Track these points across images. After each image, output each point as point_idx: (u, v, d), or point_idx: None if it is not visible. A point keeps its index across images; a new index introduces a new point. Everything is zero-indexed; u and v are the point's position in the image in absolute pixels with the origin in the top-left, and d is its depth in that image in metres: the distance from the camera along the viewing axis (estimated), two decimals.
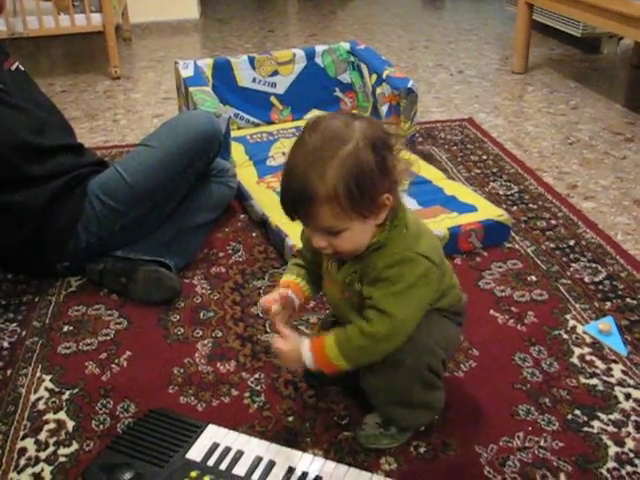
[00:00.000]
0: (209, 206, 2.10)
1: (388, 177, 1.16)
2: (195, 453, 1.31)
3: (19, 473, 1.36)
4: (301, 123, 2.85)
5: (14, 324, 1.83)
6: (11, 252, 1.97)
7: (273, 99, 2.95)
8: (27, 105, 1.95)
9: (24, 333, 1.79)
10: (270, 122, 2.92)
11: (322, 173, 1.12)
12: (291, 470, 1.26)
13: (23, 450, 1.42)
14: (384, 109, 2.67)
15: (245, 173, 2.42)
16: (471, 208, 2.13)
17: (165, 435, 1.35)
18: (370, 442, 1.38)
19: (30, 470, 1.37)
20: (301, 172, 1.13)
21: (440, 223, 2.03)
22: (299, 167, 1.14)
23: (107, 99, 3.68)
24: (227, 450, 1.32)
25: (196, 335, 1.74)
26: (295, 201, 1.16)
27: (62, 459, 1.39)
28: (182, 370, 1.62)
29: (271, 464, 1.28)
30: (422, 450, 1.37)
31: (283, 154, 2.49)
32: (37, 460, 1.39)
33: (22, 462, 1.39)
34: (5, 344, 1.75)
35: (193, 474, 1.26)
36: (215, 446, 1.33)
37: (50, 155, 1.92)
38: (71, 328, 1.79)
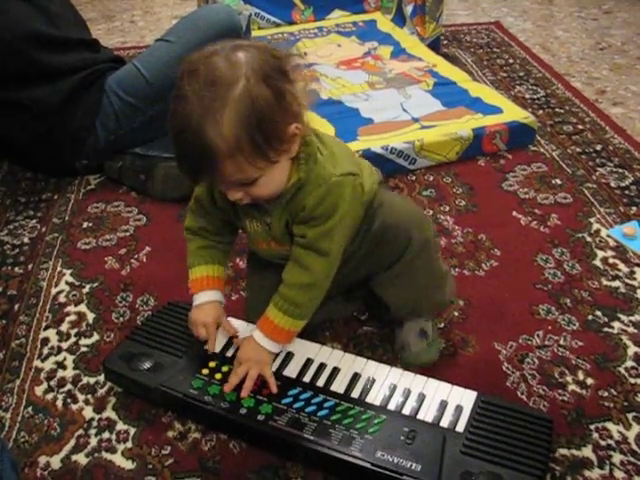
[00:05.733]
0: None
1: (291, 106, 1.04)
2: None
3: (43, 361, 1.39)
4: (323, 23, 2.79)
5: (34, 220, 1.83)
6: (28, 149, 1.96)
7: None
8: None
9: (44, 229, 1.79)
10: (291, 22, 2.83)
11: (217, 126, 0.98)
12: (309, 361, 1.27)
13: (46, 340, 1.44)
14: (409, 9, 2.59)
15: None
16: (496, 109, 2.08)
17: (184, 327, 1.35)
18: (421, 359, 1.33)
19: (53, 359, 1.39)
20: (193, 131, 0.99)
21: (464, 124, 1.99)
22: (189, 126, 0.99)
23: (124, 0, 3.59)
24: None
25: None
26: (196, 164, 1.05)
27: (83, 349, 1.41)
28: None
29: (290, 356, 1.28)
30: (441, 346, 1.37)
31: (305, 54, 2.42)
32: (59, 350, 1.42)
33: (45, 351, 1.41)
34: (25, 240, 1.75)
35: (211, 364, 1.26)
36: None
37: (65, 48, 1.88)
38: (90, 224, 1.80)
